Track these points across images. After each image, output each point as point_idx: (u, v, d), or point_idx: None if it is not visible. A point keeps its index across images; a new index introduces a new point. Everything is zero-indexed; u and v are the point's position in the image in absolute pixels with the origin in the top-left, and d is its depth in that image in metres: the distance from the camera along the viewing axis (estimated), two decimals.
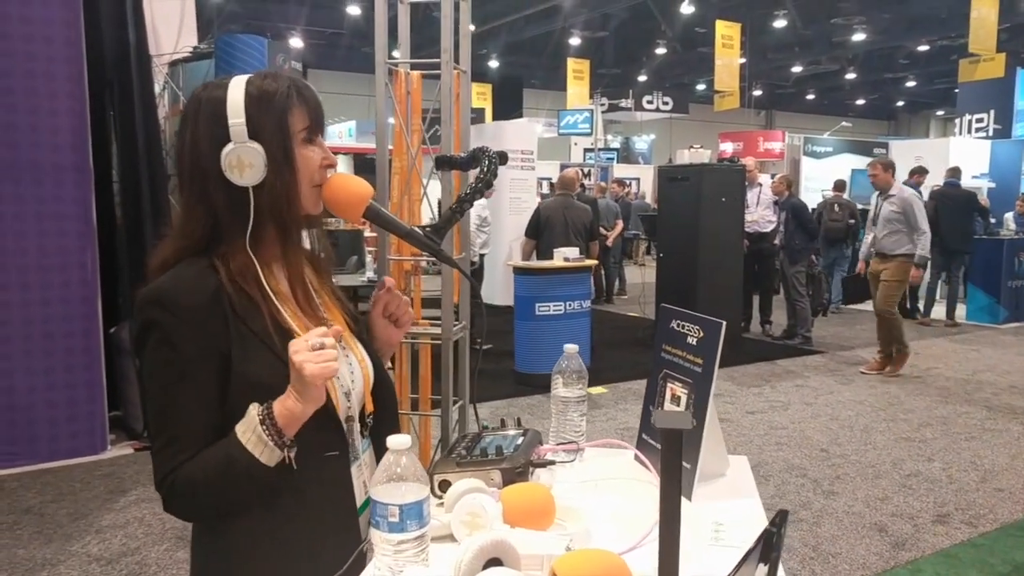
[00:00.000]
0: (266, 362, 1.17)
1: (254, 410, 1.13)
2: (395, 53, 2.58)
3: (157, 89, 5.64)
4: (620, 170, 20.28)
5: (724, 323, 1.43)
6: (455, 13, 2.34)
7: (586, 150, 19.70)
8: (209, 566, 1.28)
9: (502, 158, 1.64)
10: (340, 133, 17.19)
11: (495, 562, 0.94)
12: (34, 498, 4.15)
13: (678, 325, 1.55)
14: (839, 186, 10.53)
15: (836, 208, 10.14)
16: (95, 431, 4.73)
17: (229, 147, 1.17)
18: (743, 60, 18.90)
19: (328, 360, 1.10)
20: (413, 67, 2.47)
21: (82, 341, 4.63)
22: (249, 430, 1.12)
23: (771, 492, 4.37)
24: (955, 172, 9.90)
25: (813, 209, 10.03)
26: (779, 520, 0.76)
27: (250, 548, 1.22)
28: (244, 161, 1.17)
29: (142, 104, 5.07)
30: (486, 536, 0.94)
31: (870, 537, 3.81)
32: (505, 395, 6.25)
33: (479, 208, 7.75)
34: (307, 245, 1.36)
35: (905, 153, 13.00)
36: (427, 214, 2.64)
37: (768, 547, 0.76)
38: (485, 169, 1.55)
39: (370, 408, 1.35)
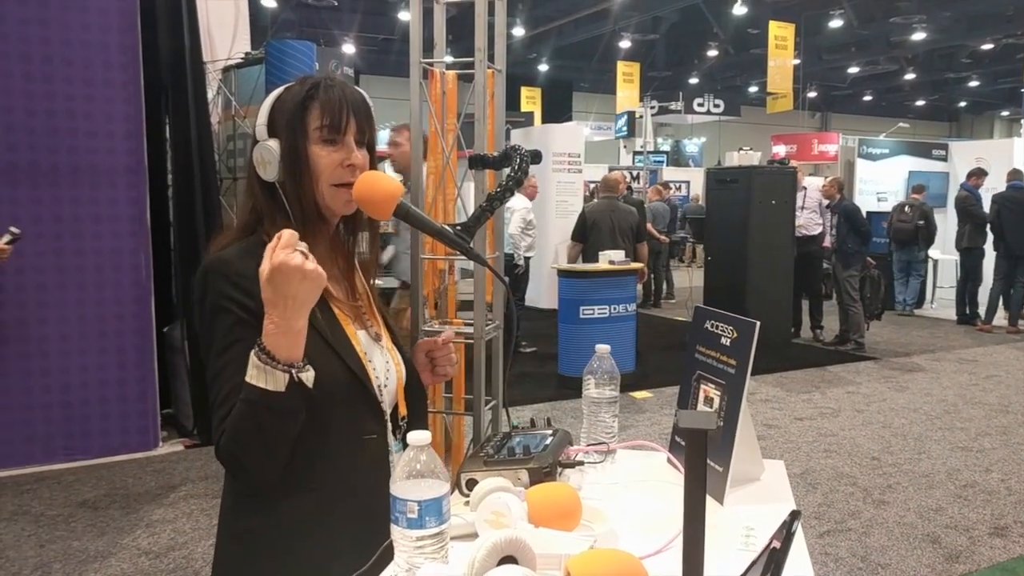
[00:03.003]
0: (309, 338, 1.18)
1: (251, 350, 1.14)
2: (448, 58, 2.61)
3: (210, 94, 5.76)
4: (670, 173, 20.08)
5: (757, 323, 1.40)
6: (492, 13, 2.35)
7: (635, 153, 19.56)
8: (234, 548, 1.29)
9: (535, 157, 1.63)
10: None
11: (510, 560, 0.93)
12: (88, 492, 4.27)
13: (712, 326, 1.53)
14: (918, 189, 10.53)
15: (906, 210, 10.13)
16: (147, 428, 4.85)
17: (256, 146, 1.26)
18: (797, 61, 18.54)
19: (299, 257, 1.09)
20: (448, 67, 2.48)
21: (135, 340, 4.75)
22: (250, 366, 1.12)
23: (819, 500, 4.27)
24: (1017, 174, 9.54)
25: (867, 212, 9.90)
26: (790, 521, 0.74)
27: (283, 523, 1.23)
28: (264, 158, 1.25)
29: (196, 109, 5.19)
30: (500, 534, 0.93)
31: (922, 548, 3.70)
32: (548, 398, 6.24)
33: (524, 211, 7.74)
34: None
35: (966, 154, 12.57)
36: (462, 216, 2.65)
37: (771, 561, 0.74)
38: (516, 167, 1.54)
39: (403, 411, 1.37)
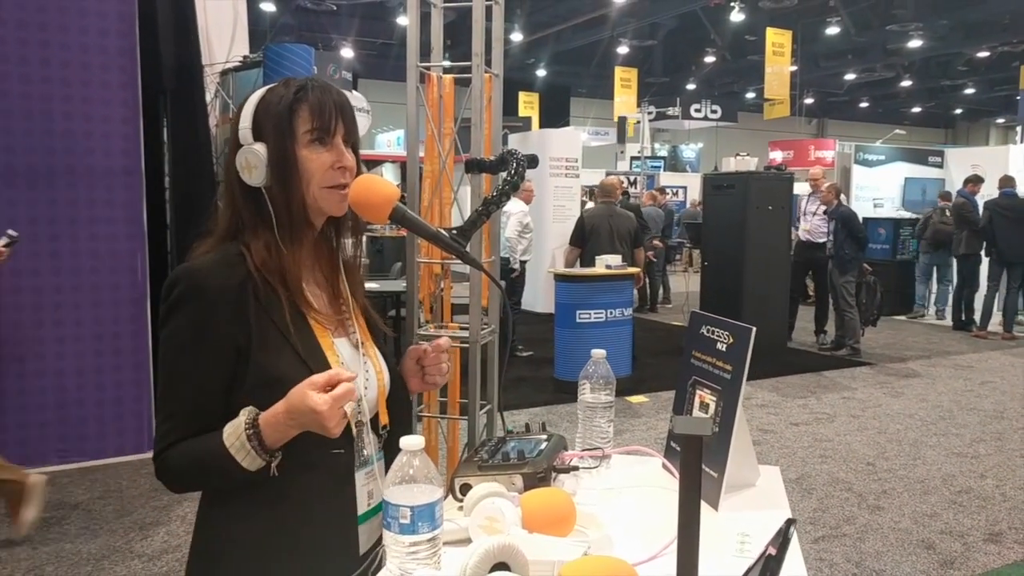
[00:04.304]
0: (283, 353, 1.18)
1: (243, 415, 1.14)
2: (446, 62, 2.61)
3: (208, 97, 5.76)
4: (667, 178, 20.12)
5: (754, 329, 1.40)
6: (490, 18, 2.35)
7: (633, 158, 19.59)
8: (204, 554, 1.28)
9: (531, 161, 1.64)
10: (389, 141, 17.37)
11: (503, 566, 0.92)
12: (82, 494, 4.25)
13: (708, 331, 1.53)
14: (946, 196, 10.69)
15: (947, 213, 10.27)
16: (142, 430, 4.83)
17: (240, 150, 1.22)
18: (794, 68, 18.60)
19: (342, 418, 1.12)
20: (446, 71, 2.49)
21: (131, 342, 4.74)
22: (234, 435, 1.14)
23: (814, 506, 4.27)
24: (1008, 181, 9.65)
25: (863, 218, 9.93)
26: (786, 528, 0.73)
27: (246, 538, 1.23)
28: (250, 163, 1.22)
29: (194, 112, 5.19)
30: (493, 540, 0.92)
31: (917, 554, 3.70)
32: (544, 402, 6.23)
33: (520, 215, 7.74)
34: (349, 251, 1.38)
35: (962, 161, 12.61)
36: (458, 220, 2.66)
37: (767, 568, 0.74)
38: (513, 172, 1.55)
39: (384, 420, 1.34)
